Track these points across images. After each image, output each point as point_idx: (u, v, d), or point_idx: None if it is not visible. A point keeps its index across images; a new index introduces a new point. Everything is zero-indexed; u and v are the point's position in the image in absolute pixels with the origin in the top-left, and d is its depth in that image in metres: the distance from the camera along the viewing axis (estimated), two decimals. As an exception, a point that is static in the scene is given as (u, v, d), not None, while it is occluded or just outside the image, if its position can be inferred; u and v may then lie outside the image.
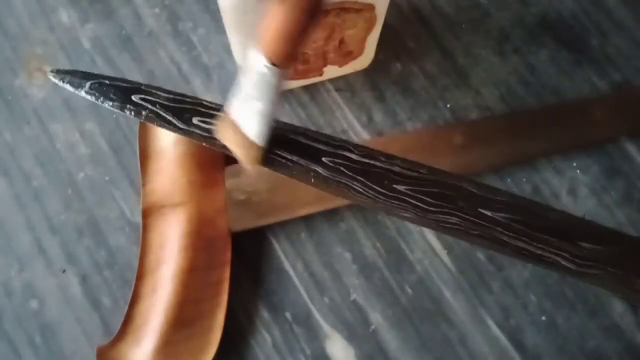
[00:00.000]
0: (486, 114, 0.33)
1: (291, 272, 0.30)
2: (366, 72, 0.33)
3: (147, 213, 0.28)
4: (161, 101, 0.20)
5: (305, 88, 0.33)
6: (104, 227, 0.31)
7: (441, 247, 0.30)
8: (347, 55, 0.30)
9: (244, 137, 0.20)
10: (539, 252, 0.20)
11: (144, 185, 0.29)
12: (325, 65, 0.30)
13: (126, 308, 0.27)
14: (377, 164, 0.20)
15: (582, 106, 0.32)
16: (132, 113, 0.20)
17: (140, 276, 0.28)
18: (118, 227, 0.31)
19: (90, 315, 0.30)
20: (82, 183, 0.31)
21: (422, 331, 0.29)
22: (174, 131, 0.20)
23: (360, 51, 0.30)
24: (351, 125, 0.32)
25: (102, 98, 0.20)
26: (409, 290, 0.30)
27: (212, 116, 0.21)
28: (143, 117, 0.20)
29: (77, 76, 0.21)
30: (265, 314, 0.29)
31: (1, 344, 0.29)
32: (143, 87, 0.20)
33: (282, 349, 0.29)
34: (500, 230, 0.20)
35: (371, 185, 0.20)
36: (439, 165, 0.31)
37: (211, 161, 0.29)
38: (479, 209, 0.20)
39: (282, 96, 0.33)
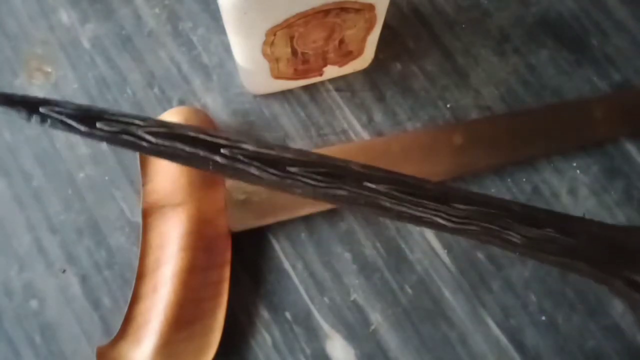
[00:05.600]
0: (486, 114, 0.33)
1: (291, 272, 0.30)
2: (366, 72, 0.33)
3: (147, 213, 0.28)
4: (67, 110, 0.22)
5: (305, 88, 0.33)
6: (104, 227, 0.31)
7: (441, 247, 0.30)
8: (347, 55, 0.30)
9: None
10: (418, 214, 0.23)
11: (144, 185, 0.29)
12: (325, 65, 0.30)
13: (126, 308, 0.27)
14: (272, 152, 0.22)
15: (582, 106, 0.32)
16: (39, 122, 0.22)
17: (140, 276, 0.28)
18: (118, 227, 0.31)
19: (90, 315, 0.30)
20: (82, 183, 0.31)
21: (422, 331, 0.29)
22: (78, 134, 0.22)
23: (360, 51, 0.30)
24: (351, 125, 0.32)
25: (12, 110, 0.22)
26: (409, 290, 0.30)
27: (116, 122, 0.22)
28: (48, 125, 0.22)
29: None
30: (265, 314, 0.29)
31: (1, 344, 0.29)
32: (51, 101, 0.22)
33: (282, 349, 0.29)
34: (384, 198, 0.23)
35: (266, 168, 0.22)
36: (439, 165, 0.31)
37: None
38: (364, 183, 0.23)
39: (283, 96, 0.33)
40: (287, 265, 0.30)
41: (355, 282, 0.30)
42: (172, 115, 0.29)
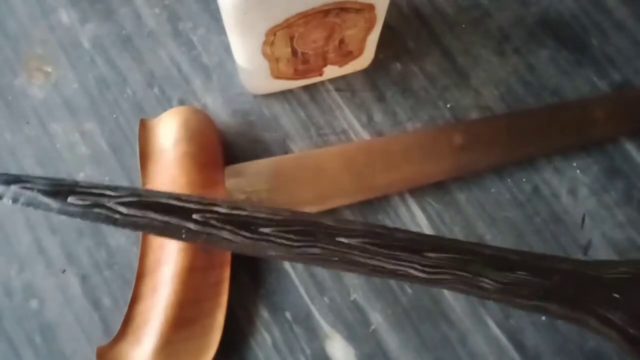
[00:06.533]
0: (486, 114, 0.33)
1: (291, 272, 0.30)
2: (366, 72, 0.33)
3: (147, 213, 0.28)
4: (39, 187, 0.22)
5: (305, 88, 0.33)
6: (104, 227, 0.31)
7: (441, 247, 0.30)
8: (347, 55, 0.30)
9: None
10: (391, 267, 0.23)
11: (144, 185, 0.29)
12: (325, 65, 0.30)
13: (126, 308, 0.27)
14: (244, 213, 0.22)
15: (582, 106, 0.32)
16: (11, 201, 0.22)
17: (140, 276, 0.28)
18: (118, 227, 0.31)
19: (90, 315, 0.30)
20: (82, 183, 0.31)
21: (422, 331, 0.29)
22: (51, 211, 0.22)
23: (360, 51, 0.30)
24: (351, 125, 0.32)
25: None
26: (409, 290, 0.30)
27: (87, 194, 0.22)
28: (20, 204, 0.22)
29: None
30: (265, 314, 0.29)
31: (1, 344, 0.29)
32: (22, 178, 0.22)
33: (282, 349, 0.29)
34: (357, 253, 0.23)
35: (239, 231, 0.22)
36: (439, 165, 0.31)
37: (211, 161, 0.29)
38: (336, 238, 0.23)
39: (283, 96, 0.33)
40: (287, 265, 0.30)
41: (355, 282, 0.30)
42: (172, 115, 0.29)
